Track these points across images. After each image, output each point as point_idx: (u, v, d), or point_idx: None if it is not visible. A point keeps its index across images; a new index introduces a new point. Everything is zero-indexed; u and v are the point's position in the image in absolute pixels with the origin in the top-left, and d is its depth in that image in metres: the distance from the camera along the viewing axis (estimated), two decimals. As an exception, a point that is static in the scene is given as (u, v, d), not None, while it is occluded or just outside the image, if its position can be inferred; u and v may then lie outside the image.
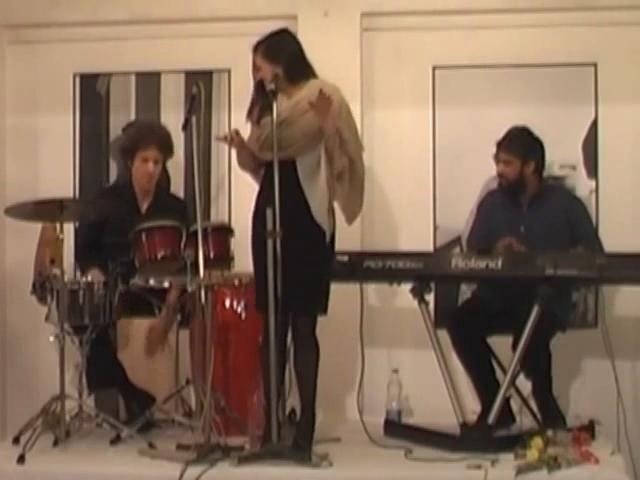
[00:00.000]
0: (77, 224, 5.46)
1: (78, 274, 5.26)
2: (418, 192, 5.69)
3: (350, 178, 4.62)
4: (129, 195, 5.37)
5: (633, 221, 5.50)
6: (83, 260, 5.29)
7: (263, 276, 4.48)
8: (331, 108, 4.45)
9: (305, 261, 4.50)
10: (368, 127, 5.60)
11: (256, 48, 4.62)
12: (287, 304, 4.38)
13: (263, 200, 4.59)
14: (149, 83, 5.91)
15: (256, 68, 4.62)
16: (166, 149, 5.37)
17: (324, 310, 4.62)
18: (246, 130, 4.73)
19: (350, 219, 4.73)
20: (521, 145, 5.13)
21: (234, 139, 4.68)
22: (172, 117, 5.63)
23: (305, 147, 4.56)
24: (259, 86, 4.63)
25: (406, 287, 4.95)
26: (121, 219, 5.08)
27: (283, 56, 4.60)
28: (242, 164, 4.82)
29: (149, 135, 5.33)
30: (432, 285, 4.98)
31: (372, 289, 5.27)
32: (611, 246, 5.02)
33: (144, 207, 5.38)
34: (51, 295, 4.80)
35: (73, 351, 4.93)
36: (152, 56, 5.82)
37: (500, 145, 5.15)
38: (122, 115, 5.91)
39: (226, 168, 5.74)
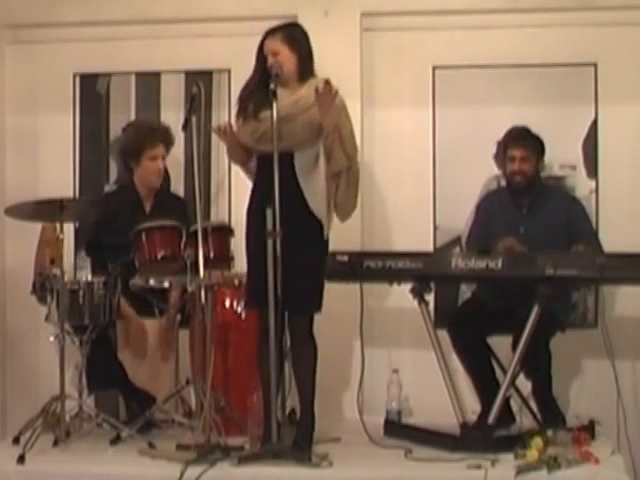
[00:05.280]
0: (78, 225, 5.46)
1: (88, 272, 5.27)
2: (418, 192, 5.69)
3: (346, 177, 4.62)
4: (133, 197, 5.37)
5: (633, 221, 5.50)
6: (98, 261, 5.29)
7: (257, 274, 4.49)
8: (333, 104, 4.46)
9: (303, 259, 4.51)
10: (368, 127, 5.60)
11: (274, 32, 4.61)
12: (285, 303, 4.38)
13: (259, 197, 4.61)
14: (149, 83, 5.91)
15: (272, 52, 4.58)
16: (169, 144, 5.41)
17: (319, 308, 4.63)
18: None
19: (344, 217, 4.74)
20: (534, 142, 5.14)
21: (227, 131, 4.68)
22: (172, 117, 5.62)
23: (304, 141, 4.56)
24: (263, 77, 4.60)
25: (406, 287, 4.95)
26: (127, 221, 5.05)
27: (302, 47, 4.63)
28: (232, 156, 4.86)
29: (153, 134, 5.36)
30: (432, 285, 4.98)
31: (372, 289, 5.26)
32: (611, 246, 5.03)
33: (148, 207, 5.39)
34: (51, 295, 4.80)
35: (73, 351, 4.94)
36: (152, 56, 5.81)
37: (513, 142, 5.15)
38: (122, 115, 5.91)
39: (226, 168, 5.74)
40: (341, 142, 4.56)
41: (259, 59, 4.65)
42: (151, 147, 5.30)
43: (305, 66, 4.64)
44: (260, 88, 4.62)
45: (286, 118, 4.50)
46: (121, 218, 5.09)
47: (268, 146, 4.51)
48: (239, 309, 5.11)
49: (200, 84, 4.65)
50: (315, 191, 4.56)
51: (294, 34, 4.64)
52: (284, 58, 4.58)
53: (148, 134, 5.35)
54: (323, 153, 4.56)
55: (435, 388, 4.93)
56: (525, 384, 5.07)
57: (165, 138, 5.36)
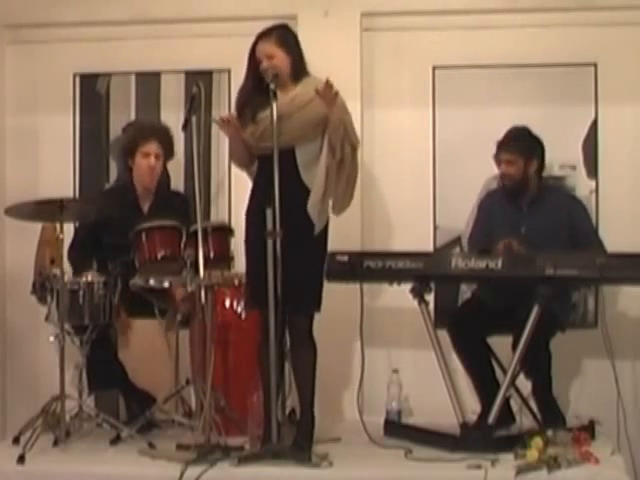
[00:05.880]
0: (77, 224, 5.45)
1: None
2: (418, 192, 5.69)
3: (348, 169, 4.63)
4: (130, 195, 5.38)
5: (633, 221, 5.50)
6: (77, 260, 5.26)
7: (257, 274, 4.49)
8: (337, 97, 4.49)
9: (303, 259, 4.51)
10: (368, 127, 5.60)
11: (267, 36, 4.62)
12: (284, 303, 4.38)
13: (259, 196, 4.61)
14: (149, 83, 5.91)
15: (267, 56, 4.59)
16: (166, 144, 5.38)
17: (318, 307, 4.63)
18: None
19: (339, 211, 4.73)
20: (523, 144, 5.13)
21: (230, 121, 4.68)
22: (172, 117, 5.63)
23: (304, 136, 4.57)
24: (256, 80, 4.61)
25: (406, 287, 4.95)
26: (123, 220, 5.06)
27: (295, 48, 4.64)
28: (233, 156, 4.84)
29: (148, 130, 5.38)
30: (432, 285, 4.98)
31: (372, 289, 5.26)
32: (611, 246, 5.02)
33: (146, 207, 5.39)
34: (51, 295, 4.81)
35: (73, 351, 4.94)
36: (152, 56, 5.82)
37: (501, 145, 5.14)
38: (122, 115, 5.91)
39: (226, 168, 5.74)
40: (346, 133, 4.57)
41: (251, 63, 4.66)
42: (144, 143, 5.31)
43: (299, 66, 4.65)
44: (255, 92, 4.64)
45: (283, 117, 4.50)
46: (117, 217, 5.09)
47: (270, 143, 4.51)
48: (239, 309, 5.11)
49: (200, 84, 4.65)
50: (313, 187, 4.57)
51: (286, 36, 4.65)
52: (279, 60, 4.59)
53: (143, 131, 5.39)
54: (326, 147, 4.57)
55: (435, 388, 4.93)
56: (525, 384, 5.07)
57: (161, 135, 5.35)
